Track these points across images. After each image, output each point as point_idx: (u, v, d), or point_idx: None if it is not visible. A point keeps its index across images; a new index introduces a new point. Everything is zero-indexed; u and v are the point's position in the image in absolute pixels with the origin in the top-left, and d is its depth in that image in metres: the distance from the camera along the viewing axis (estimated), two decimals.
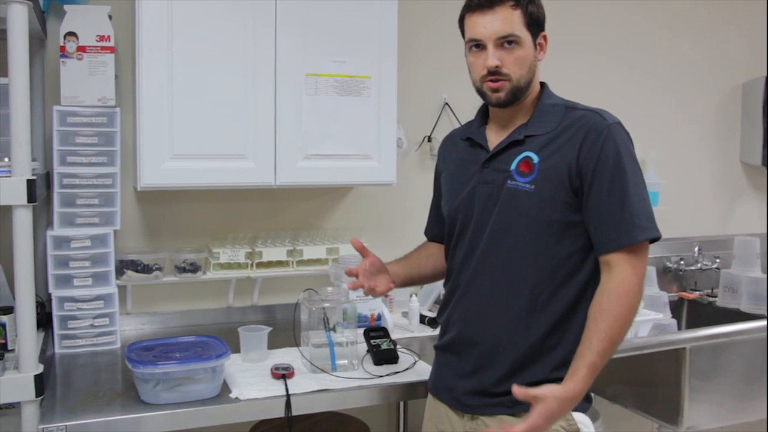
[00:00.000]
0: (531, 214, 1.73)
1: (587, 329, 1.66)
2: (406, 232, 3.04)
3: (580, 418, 1.75)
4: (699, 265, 3.50)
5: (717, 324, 2.67)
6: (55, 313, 2.32)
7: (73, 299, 2.33)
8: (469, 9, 1.78)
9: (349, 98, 2.53)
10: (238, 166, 2.41)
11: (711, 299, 3.38)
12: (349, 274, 1.96)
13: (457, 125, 3.02)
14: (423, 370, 2.18)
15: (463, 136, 1.96)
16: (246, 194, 2.79)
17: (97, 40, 2.31)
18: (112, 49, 2.33)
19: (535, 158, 1.74)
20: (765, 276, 3.18)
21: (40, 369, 1.89)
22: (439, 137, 3.04)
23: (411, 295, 2.78)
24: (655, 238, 1.70)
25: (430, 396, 1.98)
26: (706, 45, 3.70)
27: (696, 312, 3.39)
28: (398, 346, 2.33)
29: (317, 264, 2.76)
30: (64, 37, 2.29)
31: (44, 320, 2.42)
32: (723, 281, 3.29)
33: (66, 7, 2.32)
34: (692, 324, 3.31)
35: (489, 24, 1.73)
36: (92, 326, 2.36)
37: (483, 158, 1.84)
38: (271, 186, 2.47)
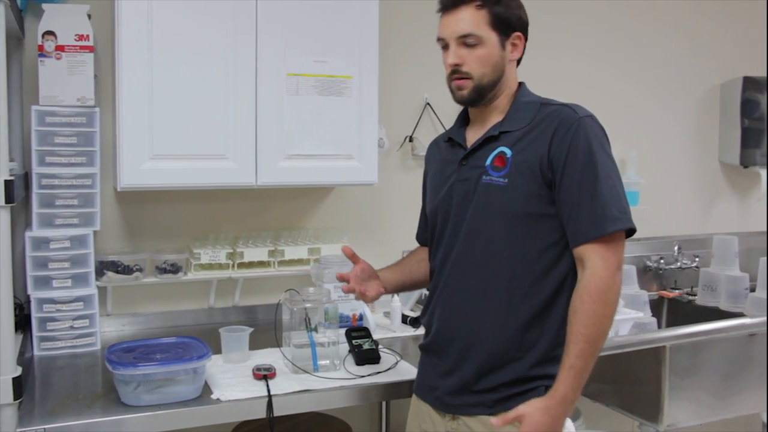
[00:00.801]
0: (505, 208, 1.75)
1: (567, 334, 1.67)
2: (387, 231, 3.04)
3: None
4: (679, 263, 3.52)
5: (696, 322, 2.69)
6: (34, 314, 2.30)
7: (53, 301, 2.31)
8: (438, 10, 1.85)
9: (330, 98, 2.52)
10: (218, 166, 2.40)
11: (690, 298, 3.40)
12: (340, 278, 1.97)
13: (439, 125, 3.06)
14: (405, 370, 2.19)
15: (445, 138, 1.99)
16: (227, 194, 2.78)
17: (76, 40, 2.29)
18: (91, 49, 2.31)
19: (509, 152, 1.76)
20: (743, 275, 3.21)
21: (19, 371, 1.87)
22: (420, 137, 3.05)
23: (393, 295, 2.78)
24: (629, 230, 1.70)
25: (414, 396, 1.98)
26: (686, 45, 3.73)
27: (676, 310, 3.42)
28: (380, 346, 2.33)
29: (299, 264, 2.75)
30: (43, 37, 2.27)
31: (23, 322, 2.39)
32: (702, 280, 3.32)
33: (44, 6, 2.30)
34: (672, 322, 3.34)
35: (451, 23, 1.79)
36: (72, 328, 2.34)
37: (461, 156, 1.86)
38: (252, 186, 2.46)
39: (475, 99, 1.81)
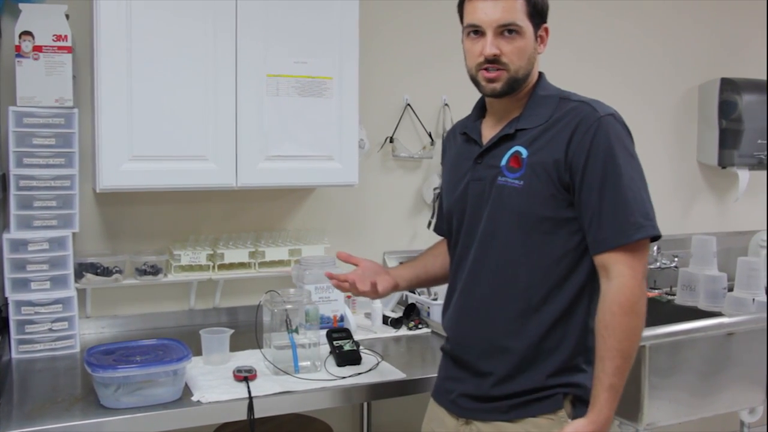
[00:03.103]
0: (520, 211, 1.67)
1: (597, 349, 1.60)
2: (368, 232, 3.04)
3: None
4: (658, 263, 3.54)
5: (675, 322, 2.70)
6: (12, 317, 2.28)
7: (31, 303, 2.30)
8: None
9: (310, 99, 2.52)
10: (198, 167, 2.39)
11: (670, 297, 3.42)
12: (332, 277, 1.94)
13: (419, 126, 3.06)
14: (386, 371, 2.19)
15: (461, 130, 1.90)
16: (207, 196, 2.76)
17: (53, 40, 2.28)
18: (69, 49, 2.30)
19: (524, 153, 1.68)
20: (722, 274, 3.24)
21: None
22: (401, 138, 3.05)
23: None
24: (655, 237, 1.63)
25: (431, 399, 1.91)
26: (665, 46, 3.75)
27: (655, 310, 3.43)
28: (361, 347, 2.33)
29: (279, 265, 2.75)
30: (20, 37, 2.25)
31: (0, 325, 2.37)
32: (681, 279, 3.34)
33: (21, 5, 2.28)
34: (652, 322, 3.31)
35: (491, 10, 1.65)
36: (51, 330, 2.33)
37: (476, 153, 1.78)
38: (232, 187, 2.46)
39: (507, 92, 1.70)
